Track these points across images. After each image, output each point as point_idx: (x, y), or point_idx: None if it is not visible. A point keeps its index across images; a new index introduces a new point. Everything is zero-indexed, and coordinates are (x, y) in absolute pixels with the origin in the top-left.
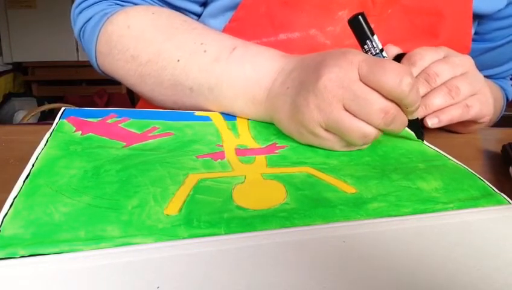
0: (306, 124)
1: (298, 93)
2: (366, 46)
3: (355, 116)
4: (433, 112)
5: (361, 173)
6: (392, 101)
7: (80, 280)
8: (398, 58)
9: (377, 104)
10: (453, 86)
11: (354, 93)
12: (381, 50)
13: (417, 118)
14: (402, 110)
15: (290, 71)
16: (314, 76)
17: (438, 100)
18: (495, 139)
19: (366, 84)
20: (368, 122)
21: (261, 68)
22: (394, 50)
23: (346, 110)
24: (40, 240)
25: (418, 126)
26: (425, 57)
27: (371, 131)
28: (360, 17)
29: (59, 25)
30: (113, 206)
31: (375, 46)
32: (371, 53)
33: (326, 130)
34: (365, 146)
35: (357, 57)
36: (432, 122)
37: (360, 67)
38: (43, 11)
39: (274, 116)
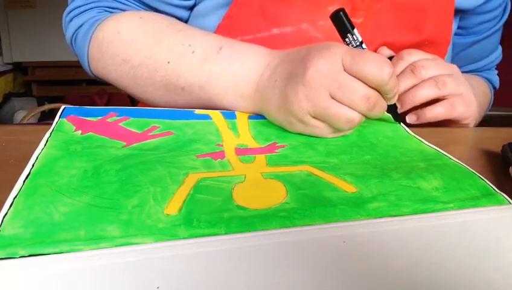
0: (295, 113)
1: (286, 84)
2: (347, 39)
3: (340, 103)
4: (419, 105)
5: (361, 171)
6: (373, 88)
7: (80, 280)
8: (390, 59)
9: (360, 92)
10: (440, 79)
11: (339, 82)
12: (361, 42)
13: (394, 103)
14: (382, 96)
15: (276, 65)
16: (301, 68)
17: (424, 91)
18: (495, 139)
19: (349, 74)
20: (352, 108)
21: (248, 64)
22: (386, 52)
23: (333, 98)
24: (40, 240)
25: (395, 110)
26: (414, 53)
27: (355, 116)
28: (341, 12)
29: (59, 25)
30: (113, 206)
31: (355, 39)
32: (351, 45)
33: (314, 117)
34: (349, 131)
35: (340, 49)
36: (410, 119)
37: (343, 58)
38: (43, 11)
39: (263, 108)
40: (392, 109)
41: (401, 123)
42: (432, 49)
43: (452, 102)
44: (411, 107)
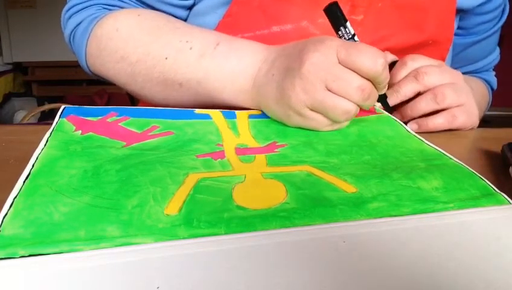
0: (293, 106)
1: (284, 78)
2: (340, 32)
3: (336, 94)
4: (419, 116)
5: (361, 171)
6: (366, 79)
7: (80, 280)
8: (393, 64)
9: (355, 83)
10: (439, 92)
11: (335, 75)
12: (354, 35)
13: (384, 93)
14: (374, 86)
15: (273, 60)
16: (297, 62)
17: (422, 105)
18: (495, 139)
19: (344, 66)
20: (348, 99)
21: (245, 60)
22: (390, 57)
23: (329, 90)
24: (40, 240)
25: (385, 100)
26: (417, 59)
27: (352, 107)
28: (334, 6)
29: (59, 25)
30: (113, 206)
31: (348, 32)
32: (344, 38)
33: (311, 110)
34: (346, 123)
35: (334, 42)
36: (411, 127)
37: (338, 51)
38: (43, 11)
39: (261, 102)
40: (382, 98)
41: (391, 115)
42: (434, 48)
43: (453, 112)
44: (410, 119)
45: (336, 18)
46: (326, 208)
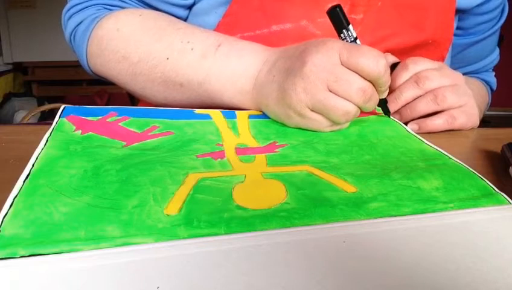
0: (294, 106)
1: (285, 79)
2: (342, 35)
3: (337, 95)
4: (419, 117)
5: (361, 171)
6: (368, 81)
7: (80, 280)
8: (395, 66)
9: (357, 84)
10: (440, 93)
11: (336, 76)
12: (356, 38)
13: (385, 98)
14: (375, 89)
15: (275, 61)
16: (299, 63)
17: (422, 106)
18: (495, 139)
19: (346, 67)
20: (349, 101)
21: (246, 61)
22: (391, 59)
23: (330, 91)
24: (40, 240)
25: (385, 104)
26: (419, 63)
27: (352, 108)
28: (337, 8)
29: (59, 25)
30: (113, 206)
31: (350, 34)
32: (346, 40)
33: (312, 110)
34: (346, 125)
35: (336, 44)
36: (411, 128)
37: (340, 52)
38: (43, 11)
39: (262, 103)
40: (382, 102)
41: (391, 117)
42: (434, 47)
43: (453, 114)
44: (410, 119)
45: (339, 20)
46: (327, 208)
